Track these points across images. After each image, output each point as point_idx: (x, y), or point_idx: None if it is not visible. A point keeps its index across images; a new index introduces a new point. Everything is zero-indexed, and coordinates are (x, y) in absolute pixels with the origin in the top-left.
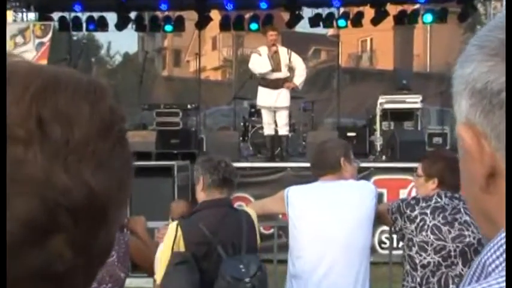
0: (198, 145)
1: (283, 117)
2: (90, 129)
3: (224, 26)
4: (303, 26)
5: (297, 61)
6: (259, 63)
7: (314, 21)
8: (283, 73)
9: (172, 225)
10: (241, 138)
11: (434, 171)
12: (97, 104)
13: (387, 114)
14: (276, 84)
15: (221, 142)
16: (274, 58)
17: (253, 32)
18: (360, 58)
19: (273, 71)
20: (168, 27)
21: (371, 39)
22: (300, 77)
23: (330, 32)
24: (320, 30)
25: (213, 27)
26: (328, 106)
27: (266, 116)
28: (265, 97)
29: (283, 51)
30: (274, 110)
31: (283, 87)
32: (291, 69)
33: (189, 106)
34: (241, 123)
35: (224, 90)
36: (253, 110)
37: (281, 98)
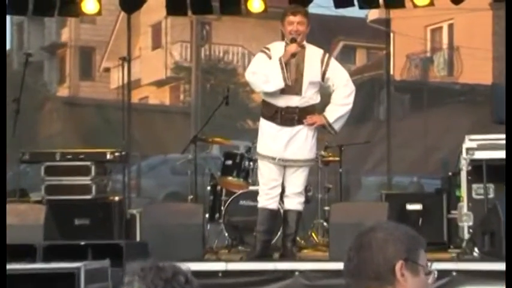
0: (127, 230)
1: (298, 180)
2: None
3: (175, 5)
4: (321, 4)
5: (338, 76)
6: (265, 74)
7: None
8: (309, 97)
9: None
10: (208, 216)
11: None
12: None
13: (481, 170)
14: (290, 117)
15: (170, 225)
16: (294, 66)
17: (240, 16)
18: (429, 63)
19: (287, 90)
20: (69, 9)
21: (449, 28)
22: (338, 108)
23: (373, 14)
24: (354, 11)
25: (153, 8)
26: (369, 153)
27: (267, 175)
28: (269, 139)
29: (313, 53)
30: (284, 164)
31: (305, 123)
32: (324, 88)
33: (109, 156)
34: (209, 189)
35: (176, 126)
36: (230, 161)
37: (298, 142)
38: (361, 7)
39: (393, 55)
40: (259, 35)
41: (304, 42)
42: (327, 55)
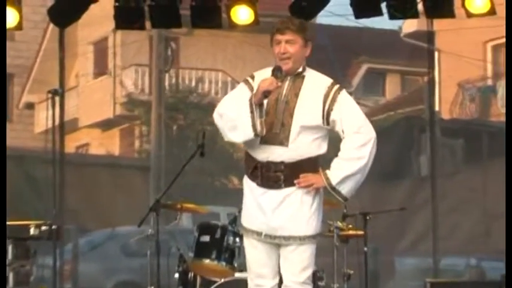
0: None
1: (296, 264)
2: None
3: (127, 15)
4: (337, 12)
5: (347, 118)
6: (232, 118)
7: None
8: (302, 148)
9: None
10: None
11: None
12: None
13: None
14: (273, 176)
15: None
16: (274, 106)
17: (220, 30)
18: (490, 95)
19: (268, 138)
20: None
21: None
22: (345, 165)
23: (409, 26)
24: (382, 22)
25: (96, 20)
26: (406, 224)
27: (253, 258)
28: (251, 207)
29: (314, 85)
30: (274, 242)
31: (297, 185)
32: (325, 131)
33: (32, 230)
34: (177, 276)
35: (129, 186)
36: (207, 237)
37: (289, 211)
38: (392, 17)
39: (439, 83)
40: (247, 56)
41: (307, 69)
42: (336, 87)
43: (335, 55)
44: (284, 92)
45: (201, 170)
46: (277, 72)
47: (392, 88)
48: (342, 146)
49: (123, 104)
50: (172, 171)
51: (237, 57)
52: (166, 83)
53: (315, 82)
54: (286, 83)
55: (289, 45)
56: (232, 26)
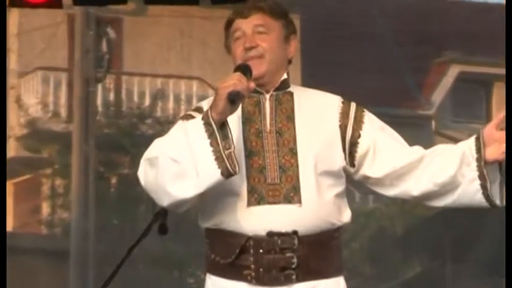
0: None
1: None
2: None
3: None
4: None
5: (388, 137)
6: (188, 152)
7: None
8: (325, 209)
9: None
10: None
11: None
12: None
13: None
14: (283, 262)
15: None
16: (271, 134)
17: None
18: None
19: (254, 196)
20: None
21: None
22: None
23: None
24: None
25: None
26: None
27: None
28: None
29: (311, 101)
30: None
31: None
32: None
33: None
34: None
35: (39, 277)
36: None
37: None
38: None
39: None
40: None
41: (292, 86)
42: (353, 104)
43: (399, 49)
44: (268, 116)
45: (162, 257)
46: (244, 69)
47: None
48: (420, 173)
49: (20, 139)
50: (110, 258)
51: (222, 55)
52: (99, 101)
53: (314, 100)
54: (267, 104)
55: (260, 35)
56: None
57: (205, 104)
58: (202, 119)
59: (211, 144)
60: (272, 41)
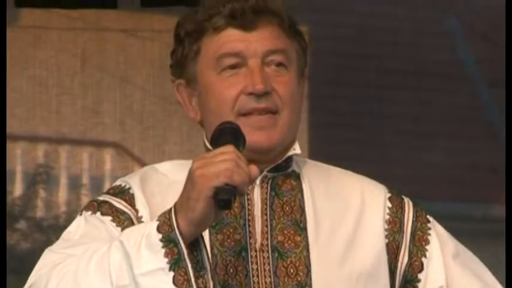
0: None
1: None
2: None
3: None
4: None
5: (466, 272)
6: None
7: None
8: None
9: None
10: None
11: None
12: None
13: None
14: None
15: None
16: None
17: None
18: None
19: None
20: None
21: None
22: None
23: None
24: None
25: None
26: None
27: None
28: None
29: (329, 189)
30: None
31: None
32: None
33: None
34: None
35: None
36: None
37: None
38: None
39: None
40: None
41: (295, 159)
42: (410, 203)
43: (480, 68)
44: (259, 219)
45: None
46: (234, 135)
47: None
48: None
49: None
50: None
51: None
52: None
53: (338, 188)
54: (256, 195)
55: (276, 70)
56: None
57: (136, 184)
58: (158, 230)
59: (175, 283)
60: (292, 84)
